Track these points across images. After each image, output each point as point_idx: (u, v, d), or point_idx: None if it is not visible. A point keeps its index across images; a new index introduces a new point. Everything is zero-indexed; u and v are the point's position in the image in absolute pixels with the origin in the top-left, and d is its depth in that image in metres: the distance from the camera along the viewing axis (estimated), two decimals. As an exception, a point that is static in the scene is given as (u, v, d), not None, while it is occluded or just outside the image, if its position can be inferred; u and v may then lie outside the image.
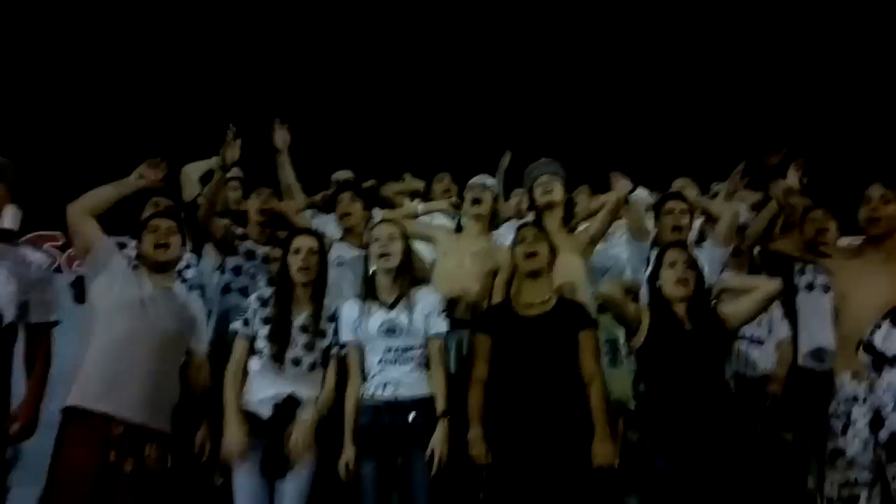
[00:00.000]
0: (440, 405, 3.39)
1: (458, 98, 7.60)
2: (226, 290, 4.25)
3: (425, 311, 3.52)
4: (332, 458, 3.41)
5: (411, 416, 3.38)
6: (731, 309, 3.52)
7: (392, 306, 3.51)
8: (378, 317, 3.50)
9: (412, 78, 7.72)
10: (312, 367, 3.51)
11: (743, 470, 3.32)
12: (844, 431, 3.34)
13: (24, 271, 3.50)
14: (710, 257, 4.14)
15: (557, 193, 4.24)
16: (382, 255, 3.54)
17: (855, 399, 3.34)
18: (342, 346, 3.54)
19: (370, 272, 3.68)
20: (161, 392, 3.34)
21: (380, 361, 3.47)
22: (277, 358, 3.45)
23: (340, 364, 3.54)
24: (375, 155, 6.21)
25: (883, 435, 3.15)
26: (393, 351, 3.46)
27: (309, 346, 3.51)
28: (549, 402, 3.32)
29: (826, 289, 4.23)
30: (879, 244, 3.52)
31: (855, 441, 3.29)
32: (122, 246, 4.08)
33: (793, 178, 3.97)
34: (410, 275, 3.63)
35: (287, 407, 3.41)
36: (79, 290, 4.58)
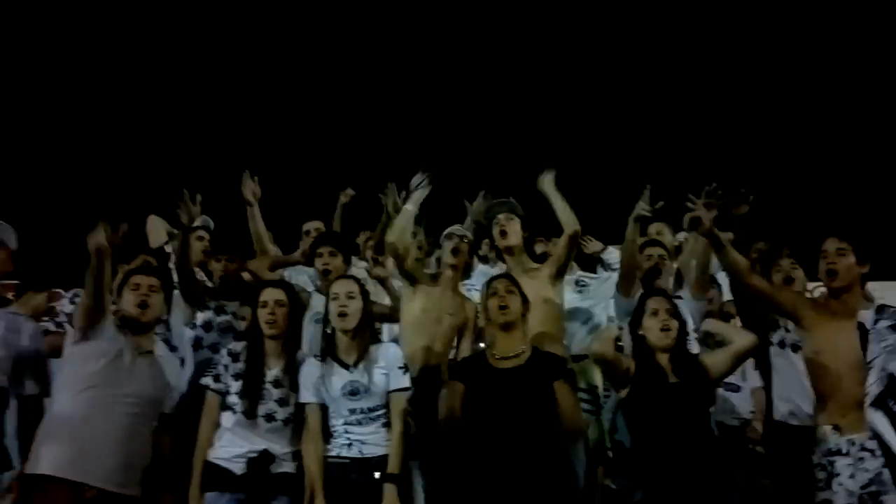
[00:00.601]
0: (392, 465, 3.34)
1: (425, 139, 7.63)
2: (197, 345, 4.16)
3: (386, 369, 3.47)
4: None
5: (377, 474, 3.34)
6: (711, 361, 3.56)
7: (353, 366, 3.45)
8: (340, 378, 3.43)
9: (380, 122, 7.75)
10: (286, 421, 3.44)
11: None
12: (829, 483, 3.35)
13: (15, 339, 3.49)
14: (688, 308, 4.16)
15: (515, 236, 4.22)
16: (341, 315, 3.47)
17: (838, 452, 3.36)
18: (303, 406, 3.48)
19: (329, 330, 3.57)
20: (133, 457, 3.27)
21: (344, 423, 3.41)
22: (250, 414, 3.38)
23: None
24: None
25: None
26: (357, 412, 3.41)
27: (283, 402, 3.45)
28: (525, 453, 3.27)
29: (796, 348, 4.26)
30: (841, 298, 3.53)
31: (840, 492, 3.30)
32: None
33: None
34: (370, 331, 3.58)
35: (261, 462, 3.34)
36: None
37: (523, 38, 7.96)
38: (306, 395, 3.47)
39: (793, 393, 4.22)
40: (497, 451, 3.30)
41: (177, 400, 3.58)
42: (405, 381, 3.50)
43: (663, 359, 3.51)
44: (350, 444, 3.38)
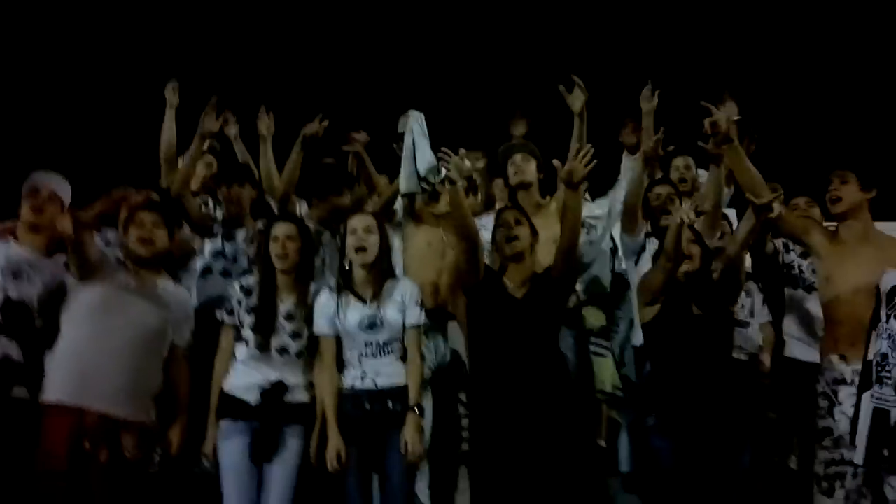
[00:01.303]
0: (413, 397, 3.37)
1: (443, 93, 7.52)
2: (206, 271, 4.12)
3: (403, 304, 3.46)
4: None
5: (391, 403, 3.36)
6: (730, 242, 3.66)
7: (370, 300, 3.45)
8: (356, 311, 3.43)
9: (401, 69, 7.63)
10: (300, 354, 3.47)
11: (737, 450, 3.42)
12: (831, 411, 3.40)
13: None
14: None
15: (531, 172, 4.21)
16: (359, 249, 3.45)
17: (843, 380, 3.40)
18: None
19: (346, 265, 3.55)
20: (139, 384, 3.30)
21: (360, 356, 3.42)
22: (263, 347, 3.41)
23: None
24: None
25: None
26: (373, 345, 3.41)
27: (296, 335, 3.47)
28: (531, 378, 3.30)
29: (810, 289, 4.34)
30: (851, 226, 3.57)
31: (841, 420, 3.35)
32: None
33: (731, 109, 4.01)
34: (387, 266, 3.56)
35: (275, 392, 3.37)
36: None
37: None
38: (321, 327, 3.47)
39: (805, 331, 4.30)
40: (506, 377, 3.32)
41: (190, 334, 3.60)
42: (421, 317, 3.49)
43: (687, 287, 3.52)
44: (364, 377, 3.39)
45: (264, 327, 3.43)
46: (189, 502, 3.71)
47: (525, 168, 4.21)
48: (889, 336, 3.20)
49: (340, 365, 3.46)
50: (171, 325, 3.47)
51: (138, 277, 3.44)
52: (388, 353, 3.43)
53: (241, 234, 4.19)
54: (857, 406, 3.23)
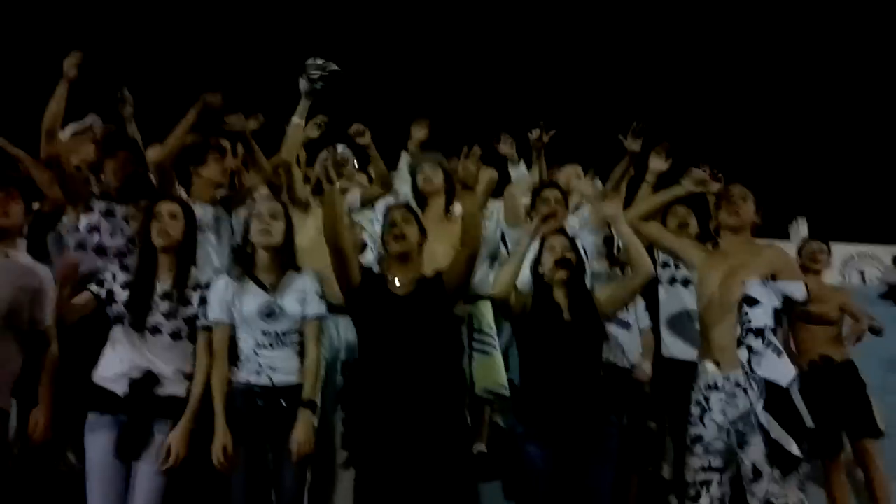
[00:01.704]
0: (307, 392, 3.29)
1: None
2: (79, 247, 3.91)
3: (303, 294, 3.38)
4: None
5: (284, 402, 3.25)
6: (606, 295, 3.70)
7: (271, 288, 3.36)
8: (255, 298, 3.33)
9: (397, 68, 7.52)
10: (174, 336, 3.32)
11: (608, 457, 3.44)
12: (702, 418, 3.49)
13: None
14: (585, 242, 4.32)
15: (437, 180, 4.31)
16: (264, 232, 3.37)
17: (714, 386, 3.48)
18: (210, 326, 3.35)
19: (248, 249, 3.45)
20: None
21: (256, 345, 3.30)
22: (136, 326, 3.26)
23: (209, 338, 3.35)
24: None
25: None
26: (270, 335, 3.31)
27: (170, 314, 3.32)
28: (419, 380, 3.21)
29: (686, 283, 4.48)
30: (732, 239, 3.71)
31: (711, 427, 3.44)
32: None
33: (659, 163, 4.24)
34: (291, 255, 3.47)
35: (145, 384, 3.21)
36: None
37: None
38: (215, 313, 3.34)
39: (681, 328, 4.43)
40: (392, 376, 3.22)
41: (50, 310, 3.35)
42: (321, 308, 3.41)
43: (560, 295, 3.60)
44: (259, 371, 3.27)
45: (139, 304, 3.28)
46: (53, 502, 3.48)
47: (432, 177, 4.32)
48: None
49: (234, 357, 3.33)
50: (27, 300, 3.25)
51: None
52: (285, 345, 3.32)
53: (120, 211, 4.02)
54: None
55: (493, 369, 4.23)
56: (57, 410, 3.26)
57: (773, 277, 3.46)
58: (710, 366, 3.52)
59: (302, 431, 3.20)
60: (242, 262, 3.44)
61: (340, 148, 4.48)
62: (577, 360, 3.47)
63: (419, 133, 5.31)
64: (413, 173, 4.47)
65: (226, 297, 3.34)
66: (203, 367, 3.30)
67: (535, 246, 3.80)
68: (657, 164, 4.21)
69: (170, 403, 3.23)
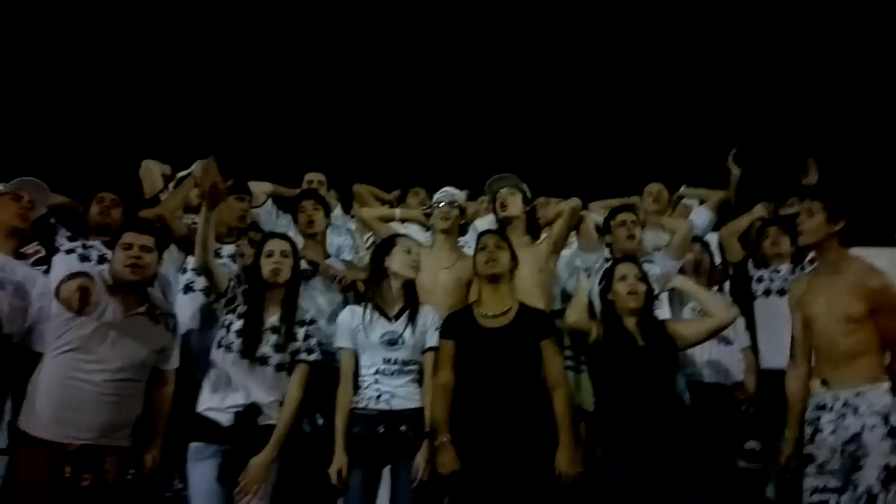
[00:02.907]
0: (429, 421, 3.38)
1: (432, 114, 7.63)
2: (187, 289, 4.12)
3: (425, 326, 3.53)
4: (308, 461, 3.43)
5: (403, 427, 3.36)
6: (681, 331, 3.64)
7: (395, 318, 3.51)
8: (380, 326, 3.48)
9: (389, 90, 7.74)
10: (278, 368, 3.46)
11: (696, 480, 3.36)
12: (813, 438, 3.37)
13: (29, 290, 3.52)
14: (662, 268, 4.24)
15: (516, 207, 4.28)
16: (412, 266, 3.57)
17: (824, 407, 3.37)
18: (309, 362, 3.52)
19: (380, 276, 3.61)
20: (120, 413, 3.24)
21: (376, 372, 3.44)
22: (247, 354, 3.40)
23: (305, 373, 3.51)
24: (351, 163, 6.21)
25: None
26: (392, 363, 3.44)
27: (278, 348, 3.46)
28: (512, 411, 3.30)
29: (782, 292, 4.42)
30: (822, 256, 3.58)
31: (824, 447, 3.31)
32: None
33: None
34: (415, 289, 3.62)
35: (248, 415, 3.35)
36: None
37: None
38: (342, 340, 3.52)
39: (779, 339, 4.20)
40: (485, 409, 3.32)
41: (175, 360, 3.55)
42: (438, 340, 3.53)
43: (631, 323, 3.58)
44: (379, 396, 3.40)
45: (252, 334, 3.42)
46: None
47: (509, 202, 4.28)
48: None
49: (356, 383, 3.47)
50: (156, 355, 3.40)
51: (126, 304, 3.31)
52: (406, 373, 3.45)
53: (226, 250, 4.20)
54: None
55: (584, 386, 4.21)
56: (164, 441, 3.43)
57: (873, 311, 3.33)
58: (817, 385, 3.43)
59: (425, 459, 3.30)
60: (373, 291, 3.60)
61: None
62: (651, 384, 3.44)
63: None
64: (491, 200, 4.46)
65: (352, 325, 3.51)
66: (294, 401, 3.44)
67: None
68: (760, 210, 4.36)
69: (268, 432, 3.36)
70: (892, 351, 3.34)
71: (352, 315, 3.55)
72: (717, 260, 4.80)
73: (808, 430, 3.40)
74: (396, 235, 3.79)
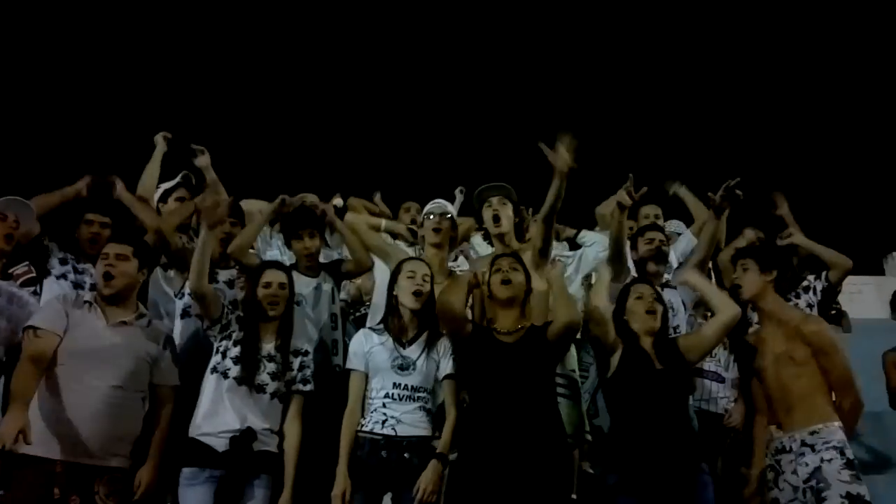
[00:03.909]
0: (442, 445, 3.36)
1: (423, 131, 7.67)
2: (184, 314, 4.09)
3: (437, 355, 3.50)
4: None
5: (407, 454, 3.34)
6: (688, 342, 3.62)
7: (408, 343, 3.50)
8: (391, 351, 3.47)
9: (381, 107, 7.78)
10: (273, 395, 3.47)
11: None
12: (777, 482, 3.54)
13: (18, 313, 3.48)
14: (681, 296, 4.30)
15: (508, 221, 4.16)
16: (416, 293, 3.52)
17: (783, 449, 3.54)
18: (305, 392, 3.54)
19: (391, 302, 3.61)
20: (115, 429, 3.22)
21: (385, 396, 3.42)
22: (245, 381, 3.41)
23: (301, 405, 3.54)
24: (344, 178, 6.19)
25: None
26: (401, 388, 3.43)
27: (274, 376, 3.48)
28: (522, 426, 3.27)
29: None
30: (758, 306, 3.81)
31: (787, 488, 3.49)
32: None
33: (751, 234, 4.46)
34: (432, 315, 3.59)
35: (244, 440, 3.34)
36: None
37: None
38: (353, 363, 3.51)
39: None
40: (497, 422, 3.29)
41: (172, 373, 3.53)
42: (454, 368, 3.52)
43: (647, 343, 3.57)
44: (385, 421, 3.38)
45: (250, 362, 3.44)
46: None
47: (502, 214, 4.15)
48: None
49: (362, 407, 3.46)
50: (147, 365, 3.39)
51: (111, 314, 3.33)
52: (415, 400, 3.43)
53: (222, 275, 4.18)
54: None
55: (576, 415, 4.20)
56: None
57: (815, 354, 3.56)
58: (773, 430, 3.60)
59: (429, 478, 3.27)
60: (387, 315, 3.60)
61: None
62: (667, 408, 3.43)
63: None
64: (479, 208, 4.30)
65: (363, 348, 3.50)
66: (296, 435, 3.45)
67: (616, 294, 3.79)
68: (750, 234, 4.41)
69: (263, 458, 3.36)
70: (838, 391, 3.56)
71: (365, 338, 3.54)
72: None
73: (770, 475, 3.57)
74: (404, 261, 3.73)
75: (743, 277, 3.76)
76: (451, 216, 4.27)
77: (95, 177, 4.25)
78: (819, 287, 4.67)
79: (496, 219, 4.14)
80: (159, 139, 4.97)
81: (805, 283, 4.75)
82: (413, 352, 3.48)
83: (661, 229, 4.57)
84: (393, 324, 3.55)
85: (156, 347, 3.44)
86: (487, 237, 4.42)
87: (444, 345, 3.55)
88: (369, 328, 3.63)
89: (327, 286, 4.22)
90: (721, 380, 4.46)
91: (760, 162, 7.44)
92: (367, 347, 3.50)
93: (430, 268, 3.68)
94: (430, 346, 3.50)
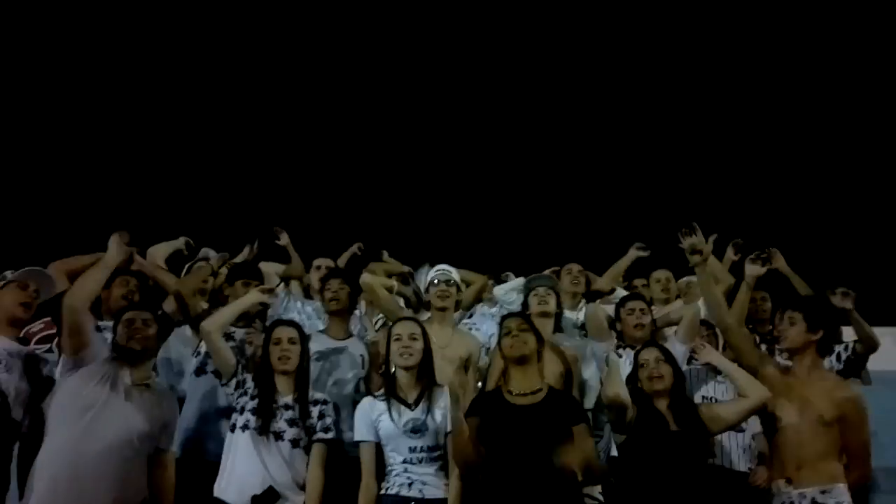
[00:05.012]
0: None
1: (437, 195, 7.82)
2: (199, 372, 4.11)
3: (445, 409, 3.48)
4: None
5: None
6: (719, 412, 3.64)
7: (414, 404, 3.50)
8: (401, 415, 3.47)
9: (393, 170, 7.93)
10: (294, 443, 3.48)
11: None
12: None
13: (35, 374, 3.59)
14: (672, 352, 4.17)
15: (551, 306, 4.35)
16: (404, 354, 3.54)
17: None
18: (326, 440, 3.55)
19: (391, 370, 3.64)
20: (126, 489, 3.21)
21: (404, 461, 3.42)
22: (262, 430, 3.43)
23: (324, 453, 3.54)
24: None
25: None
26: (418, 451, 3.43)
27: (292, 423, 3.50)
28: (538, 488, 3.24)
29: None
30: (795, 359, 3.73)
31: None
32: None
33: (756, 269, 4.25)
34: (430, 372, 3.61)
35: (265, 498, 3.35)
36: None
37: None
38: (361, 434, 3.51)
39: None
40: (512, 488, 3.24)
41: (178, 438, 3.56)
42: None
43: (662, 404, 3.58)
44: (411, 483, 3.38)
45: (265, 409, 3.47)
46: None
47: (549, 300, 4.35)
48: None
49: (382, 473, 3.46)
50: (157, 429, 3.38)
51: (130, 376, 3.36)
52: (433, 460, 3.43)
53: (238, 334, 4.19)
54: None
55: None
56: None
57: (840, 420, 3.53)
58: (782, 484, 3.55)
59: None
60: (388, 382, 3.60)
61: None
62: (685, 470, 3.42)
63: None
64: (526, 295, 4.49)
65: (370, 417, 3.50)
66: (318, 483, 3.45)
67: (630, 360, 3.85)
68: (754, 269, 4.24)
69: None
70: (852, 461, 3.56)
71: (371, 407, 3.54)
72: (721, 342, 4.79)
73: None
74: (392, 324, 3.77)
75: (788, 330, 3.68)
76: (455, 282, 4.41)
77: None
78: (843, 356, 4.60)
79: (544, 303, 4.33)
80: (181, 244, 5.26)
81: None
82: (421, 412, 3.48)
83: (642, 297, 4.70)
84: (394, 388, 3.56)
85: (168, 412, 3.47)
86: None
87: (446, 397, 3.52)
88: (372, 396, 3.62)
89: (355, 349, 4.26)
90: (740, 430, 4.34)
91: (776, 212, 7.43)
92: (374, 416, 3.50)
93: (421, 325, 3.71)
94: (433, 402, 3.50)
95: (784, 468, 3.57)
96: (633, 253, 5.63)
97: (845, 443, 3.54)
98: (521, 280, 5.03)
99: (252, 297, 3.84)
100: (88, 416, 3.20)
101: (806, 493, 3.47)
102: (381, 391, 3.61)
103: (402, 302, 4.93)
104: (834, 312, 4.23)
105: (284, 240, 5.68)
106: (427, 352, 3.61)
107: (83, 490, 3.11)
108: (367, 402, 3.59)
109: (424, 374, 3.58)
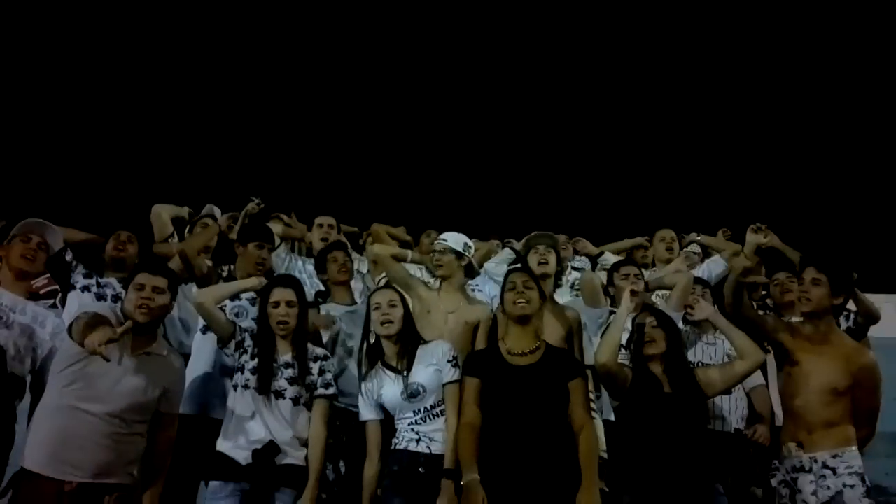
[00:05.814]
0: (449, 460, 3.38)
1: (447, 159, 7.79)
2: (206, 329, 4.09)
3: (438, 365, 3.53)
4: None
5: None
6: (708, 378, 3.64)
7: (405, 369, 3.53)
8: (396, 384, 3.52)
9: (402, 135, 7.91)
10: (295, 401, 3.52)
11: None
12: (793, 499, 3.56)
13: (40, 332, 3.63)
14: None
15: (552, 265, 4.34)
16: (384, 323, 3.57)
17: (801, 468, 3.55)
18: (328, 396, 3.60)
19: (371, 340, 3.69)
20: (120, 454, 3.20)
21: (410, 423, 3.49)
22: (262, 389, 3.47)
23: (326, 409, 3.60)
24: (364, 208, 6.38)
25: None
26: (421, 412, 3.48)
27: (293, 381, 3.53)
28: (538, 450, 3.31)
29: None
30: (814, 323, 3.72)
31: None
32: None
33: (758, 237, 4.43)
34: (414, 334, 3.65)
35: (267, 453, 3.40)
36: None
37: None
38: (366, 413, 3.58)
39: None
40: (510, 446, 3.32)
41: (179, 403, 3.52)
42: (457, 374, 3.54)
43: (657, 368, 3.62)
44: (419, 440, 3.44)
45: (265, 369, 3.50)
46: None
47: (549, 260, 4.34)
48: None
49: (391, 433, 3.54)
50: (160, 396, 3.35)
51: (135, 343, 3.30)
52: (438, 416, 3.48)
53: (245, 294, 4.18)
54: None
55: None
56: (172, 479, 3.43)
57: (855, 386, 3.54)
58: (793, 447, 3.60)
59: (444, 502, 3.30)
60: (373, 354, 3.65)
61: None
62: (679, 431, 3.46)
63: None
64: (526, 253, 4.50)
65: (371, 395, 3.56)
66: (320, 439, 3.51)
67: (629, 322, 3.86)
68: (756, 238, 4.33)
69: (289, 472, 3.41)
70: (860, 421, 3.59)
71: (368, 384, 3.59)
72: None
73: (785, 491, 3.59)
74: (370, 294, 3.80)
75: (812, 290, 3.66)
76: (452, 249, 4.34)
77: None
78: (844, 325, 4.60)
79: (544, 262, 4.32)
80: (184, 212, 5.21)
81: None
82: (415, 375, 3.51)
83: (636, 263, 4.80)
84: (383, 357, 3.61)
85: (170, 378, 3.42)
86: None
87: (440, 351, 3.57)
88: (366, 373, 3.65)
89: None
90: (727, 392, 4.37)
91: (784, 185, 7.42)
92: (375, 394, 3.56)
93: (399, 291, 3.77)
94: (427, 362, 3.54)
95: (796, 432, 3.62)
96: (638, 239, 5.89)
97: (856, 406, 3.57)
98: (507, 251, 5.04)
99: (253, 282, 3.87)
100: (78, 384, 3.17)
101: (817, 458, 3.52)
102: (372, 364, 3.64)
103: (423, 270, 4.93)
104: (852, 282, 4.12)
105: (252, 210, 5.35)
106: (407, 317, 3.64)
107: (77, 453, 3.10)
108: (363, 383, 3.62)
109: (409, 339, 3.60)
